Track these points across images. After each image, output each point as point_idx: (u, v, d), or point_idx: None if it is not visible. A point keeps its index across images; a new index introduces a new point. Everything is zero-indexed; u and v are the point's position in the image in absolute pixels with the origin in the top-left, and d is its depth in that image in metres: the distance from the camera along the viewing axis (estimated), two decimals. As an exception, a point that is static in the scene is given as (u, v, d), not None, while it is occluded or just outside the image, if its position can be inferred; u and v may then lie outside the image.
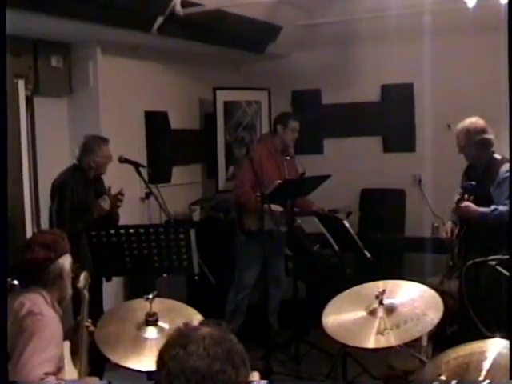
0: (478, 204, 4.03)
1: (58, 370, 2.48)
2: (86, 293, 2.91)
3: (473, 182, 4.04)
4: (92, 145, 4.35)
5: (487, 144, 4.10)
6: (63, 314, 2.75)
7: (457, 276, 4.45)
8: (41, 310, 2.52)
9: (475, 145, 4.10)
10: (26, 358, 2.35)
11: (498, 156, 4.11)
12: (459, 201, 4.03)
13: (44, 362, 2.37)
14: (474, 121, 4.14)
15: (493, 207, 3.98)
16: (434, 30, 5.36)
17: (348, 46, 6.20)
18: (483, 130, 4.11)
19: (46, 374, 2.35)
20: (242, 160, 5.30)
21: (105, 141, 4.41)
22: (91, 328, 2.86)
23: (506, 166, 4.03)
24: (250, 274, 5.09)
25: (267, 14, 5.56)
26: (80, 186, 4.31)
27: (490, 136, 4.11)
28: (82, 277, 2.89)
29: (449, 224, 4.32)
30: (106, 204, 4.28)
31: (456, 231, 4.22)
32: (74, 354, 2.76)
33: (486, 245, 3.94)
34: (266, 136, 5.57)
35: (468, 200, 4.02)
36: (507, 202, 3.90)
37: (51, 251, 2.65)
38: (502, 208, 3.94)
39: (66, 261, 2.69)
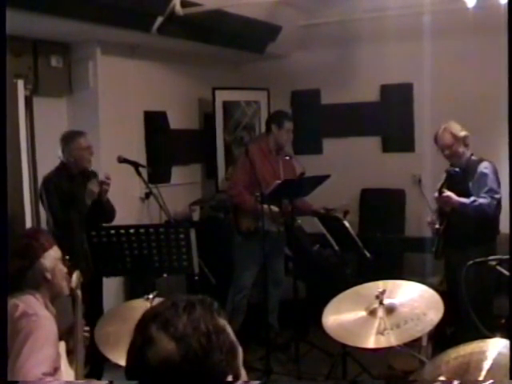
0: None
1: (55, 370, 2.47)
2: (78, 292, 2.88)
3: (456, 169, 4.26)
4: (66, 139, 4.39)
5: (468, 142, 4.37)
6: (62, 313, 2.75)
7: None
8: (35, 310, 2.51)
9: (461, 142, 4.34)
10: (23, 359, 2.35)
11: (474, 157, 4.37)
12: (442, 186, 4.22)
13: (41, 362, 2.37)
14: (451, 122, 4.41)
15: (472, 198, 4.21)
16: (433, 30, 5.36)
17: (347, 46, 6.20)
18: (462, 129, 4.37)
19: (44, 374, 2.35)
20: (236, 161, 5.30)
21: (79, 133, 4.43)
22: (86, 334, 2.86)
23: (484, 164, 4.30)
24: (247, 274, 5.09)
25: (267, 14, 5.55)
26: (64, 181, 4.33)
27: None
28: (75, 276, 2.86)
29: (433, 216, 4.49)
30: (94, 187, 4.29)
31: (436, 226, 4.39)
32: (70, 353, 2.75)
33: (464, 241, 4.09)
34: (261, 136, 5.57)
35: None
36: (484, 195, 4.19)
37: (24, 258, 2.61)
38: (481, 200, 4.20)
39: (46, 261, 2.63)
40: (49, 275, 2.63)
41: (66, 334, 2.80)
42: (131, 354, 1.29)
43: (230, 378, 1.28)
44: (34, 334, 2.41)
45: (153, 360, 1.23)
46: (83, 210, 4.26)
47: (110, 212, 4.48)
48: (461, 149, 4.35)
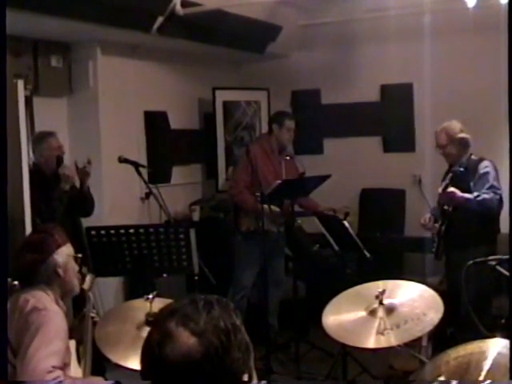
0: None
1: (65, 365, 2.48)
2: (90, 294, 2.92)
3: (461, 169, 4.23)
4: (37, 140, 4.35)
5: (466, 143, 4.32)
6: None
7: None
8: (45, 305, 2.52)
9: (456, 143, 4.30)
10: (33, 352, 2.36)
11: (474, 157, 4.33)
12: (447, 186, 4.21)
13: (50, 355, 2.37)
14: (452, 122, 4.37)
15: (476, 193, 4.19)
16: (433, 30, 5.36)
17: (348, 46, 6.20)
18: (462, 130, 4.33)
19: (53, 366, 2.35)
20: (238, 160, 5.30)
21: (50, 134, 4.39)
22: (96, 318, 2.88)
23: (485, 163, 4.27)
24: (247, 274, 5.08)
25: (267, 14, 5.56)
26: (37, 181, 4.28)
27: (468, 136, 4.32)
28: (88, 279, 2.90)
29: (427, 215, 4.48)
30: (67, 170, 4.25)
31: (437, 226, 4.36)
32: (79, 344, 2.77)
33: (465, 242, 4.09)
34: (262, 136, 5.57)
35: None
36: (486, 191, 4.17)
37: (37, 253, 2.63)
38: (484, 195, 4.17)
39: (58, 257, 2.65)
40: (61, 271, 2.64)
41: (75, 327, 2.82)
42: (147, 353, 1.25)
43: (245, 377, 1.27)
44: (43, 328, 2.43)
45: (172, 356, 1.20)
46: (63, 198, 4.20)
47: (90, 202, 4.42)
48: (455, 150, 4.31)
